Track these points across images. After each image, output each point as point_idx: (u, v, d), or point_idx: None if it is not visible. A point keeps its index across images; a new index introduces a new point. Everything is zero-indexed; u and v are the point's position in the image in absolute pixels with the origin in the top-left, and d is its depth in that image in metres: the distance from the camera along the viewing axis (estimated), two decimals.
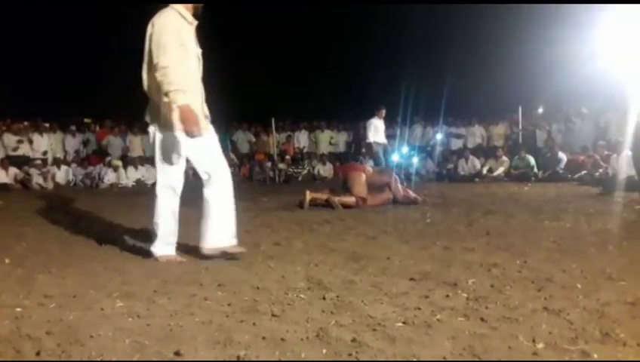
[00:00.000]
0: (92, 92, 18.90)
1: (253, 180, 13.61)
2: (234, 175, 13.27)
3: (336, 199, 6.08)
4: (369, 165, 8.07)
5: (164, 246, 3.27)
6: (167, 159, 3.22)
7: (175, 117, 3.03)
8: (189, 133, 3.01)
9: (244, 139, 15.11)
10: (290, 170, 13.90)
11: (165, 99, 2.99)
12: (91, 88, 19.33)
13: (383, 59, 19.40)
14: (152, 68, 3.02)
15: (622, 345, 1.70)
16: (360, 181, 6.30)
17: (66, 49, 19.25)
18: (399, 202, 6.41)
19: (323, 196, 6.27)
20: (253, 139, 15.29)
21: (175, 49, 3.01)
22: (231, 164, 14.43)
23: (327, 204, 6.07)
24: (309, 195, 6.20)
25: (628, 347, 1.68)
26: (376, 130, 9.95)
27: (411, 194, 6.58)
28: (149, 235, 4.23)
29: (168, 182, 3.26)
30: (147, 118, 3.27)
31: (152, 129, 3.26)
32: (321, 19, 19.41)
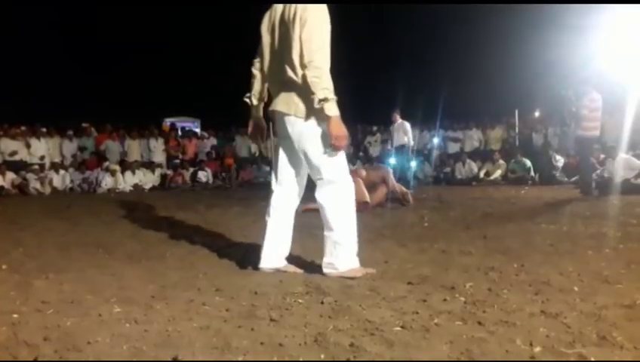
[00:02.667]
0: (90, 96, 18.90)
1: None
2: (232, 179, 13.25)
3: None
4: (362, 167, 8.06)
5: (355, 256, 2.87)
6: (334, 148, 2.77)
7: (332, 126, 2.71)
8: (337, 147, 2.74)
9: (243, 143, 15.11)
10: None
11: (317, 105, 2.66)
12: (89, 92, 19.34)
13: (379, 63, 19.45)
14: (301, 59, 2.68)
15: (619, 348, 1.70)
16: (357, 187, 6.29)
17: (65, 52, 19.23)
18: (396, 198, 6.43)
19: (312, 207, 6.24)
20: (252, 144, 15.28)
21: (329, 50, 2.75)
22: (229, 169, 14.46)
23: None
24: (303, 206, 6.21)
25: (625, 350, 1.69)
26: (407, 132, 9.98)
27: (403, 189, 6.62)
28: (145, 240, 4.24)
29: (347, 171, 2.88)
30: (282, 108, 2.82)
31: (292, 119, 2.80)
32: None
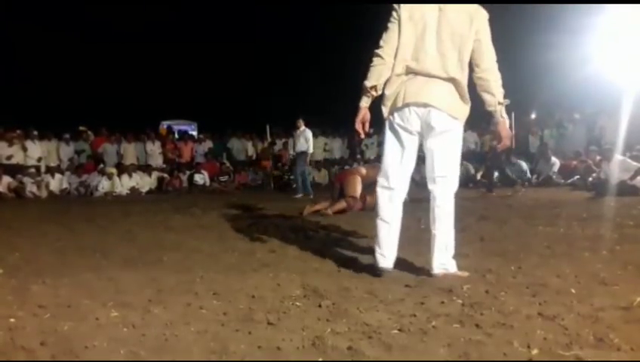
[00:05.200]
0: (87, 100, 18.88)
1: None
2: (228, 183, 13.25)
3: (328, 210, 6.09)
4: (362, 166, 8.09)
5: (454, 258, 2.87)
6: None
7: (503, 128, 2.88)
8: (504, 146, 2.96)
9: (239, 146, 15.11)
10: (286, 176, 13.90)
11: (492, 108, 2.83)
12: (86, 96, 19.32)
13: None
14: (479, 62, 2.78)
15: (616, 349, 1.71)
16: (354, 182, 6.32)
17: (63, 55, 19.22)
18: None
19: (319, 208, 6.29)
20: (249, 146, 15.29)
21: None
22: (226, 172, 14.44)
23: (320, 213, 6.10)
24: (308, 209, 6.23)
25: (622, 352, 1.69)
26: (307, 140, 10.18)
27: None
28: (142, 244, 4.24)
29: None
30: (444, 106, 2.74)
31: (444, 116, 2.75)
32: (317, 24, 19.52)
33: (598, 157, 10.26)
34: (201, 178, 13.30)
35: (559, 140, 12.66)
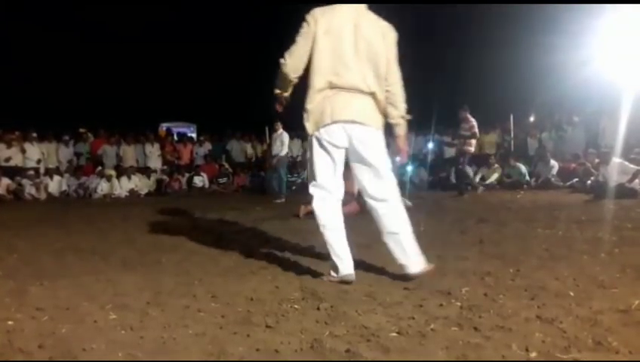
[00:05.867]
0: (86, 102, 18.89)
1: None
2: (227, 185, 13.19)
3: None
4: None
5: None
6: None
7: (401, 142, 3.03)
8: (401, 160, 3.08)
9: (238, 148, 15.09)
10: (285, 179, 13.87)
11: (394, 121, 2.94)
12: (85, 98, 19.33)
13: None
14: (388, 76, 2.88)
15: (614, 353, 1.71)
16: (350, 181, 6.32)
17: (62, 57, 19.23)
18: None
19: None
20: (248, 148, 15.27)
21: None
22: (225, 174, 14.41)
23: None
24: (303, 209, 6.22)
25: (620, 355, 1.69)
26: (283, 144, 10.22)
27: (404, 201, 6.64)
28: (141, 246, 4.23)
29: None
30: (368, 120, 2.82)
31: (372, 130, 2.84)
32: None
33: (596, 160, 10.27)
34: (201, 180, 13.28)
35: (558, 143, 12.66)
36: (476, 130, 9.62)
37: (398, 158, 3.12)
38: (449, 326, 2.02)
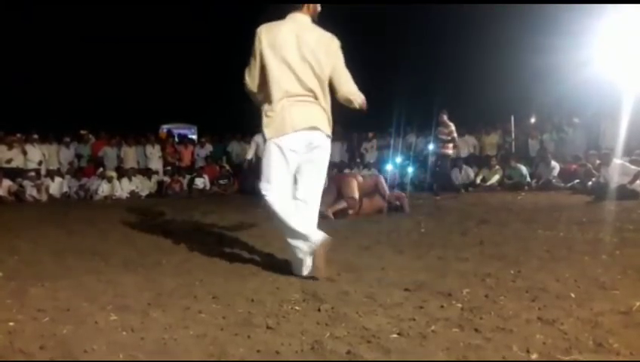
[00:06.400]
0: (87, 103, 18.92)
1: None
2: (228, 186, 13.18)
3: (328, 211, 6.11)
4: (360, 174, 8.16)
5: None
6: None
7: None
8: (364, 104, 3.21)
9: (239, 149, 15.10)
10: None
11: (353, 96, 3.13)
12: (86, 99, 19.35)
13: (374, 70, 19.51)
14: (345, 86, 3.10)
15: (615, 354, 1.71)
16: (351, 185, 6.38)
17: (63, 59, 19.26)
18: (390, 204, 6.47)
19: None
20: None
21: None
22: (225, 175, 14.38)
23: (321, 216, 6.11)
24: (332, 211, 6.25)
25: (621, 357, 1.69)
26: (258, 147, 10.26)
27: (403, 196, 6.66)
28: (141, 247, 4.24)
29: None
30: (323, 127, 3.04)
31: (324, 136, 3.07)
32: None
33: (597, 161, 10.27)
34: (202, 182, 13.28)
35: (559, 144, 12.66)
36: (455, 134, 9.95)
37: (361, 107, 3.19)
38: (450, 327, 2.02)
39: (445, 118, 9.90)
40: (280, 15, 3.05)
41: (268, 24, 3.01)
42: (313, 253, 2.91)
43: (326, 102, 3.05)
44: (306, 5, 3.05)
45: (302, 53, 2.93)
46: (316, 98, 2.99)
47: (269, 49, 2.93)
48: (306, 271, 2.97)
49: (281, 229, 3.02)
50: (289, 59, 2.92)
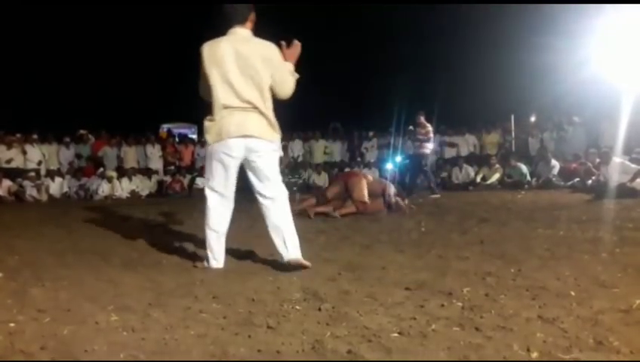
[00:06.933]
0: (87, 103, 18.90)
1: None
2: None
3: (336, 212, 6.11)
4: (369, 174, 8.16)
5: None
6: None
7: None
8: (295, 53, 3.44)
9: None
10: (286, 179, 13.83)
11: (286, 76, 3.34)
12: (86, 99, 19.34)
13: (375, 69, 19.52)
14: (283, 75, 3.30)
15: (615, 352, 1.71)
16: (361, 186, 6.38)
17: (62, 59, 19.25)
18: (391, 210, 6.47)
19: (324, 209, 6.31)
20: None
21: None
22: None
23: (327, 215, 6.11)
24: (310, 210, 6.23)
25: (621, 355, 1.69)
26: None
27: (402, 204, 6.63)
28: (142, 247, 4.24)
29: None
30: (260, 134, 3.27)
31: (264, 143, 3.29)
32: (312, 28, 19.54)
33: (597, 160, 10.27)
34: (203, 181, 13.23)
35: (559, 143, 12.66)
36: (432, 135, 10.42)
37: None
38: (450, 326, 2.02)
39: (422, 119, 10.26)
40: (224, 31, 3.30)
41: (209, 42, 3.27)
42: (221, 244, 3.34)
43: (267, 107, 3.27)
44: (248, 20, 3.32)
45: (240, 67, 3.18)
46: (255, 107, 3.23)
47: (211, 66, 3.20)
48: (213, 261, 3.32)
49: (203, 218, 3.36)
50: (229, 75, 3.18)
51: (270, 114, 3.29)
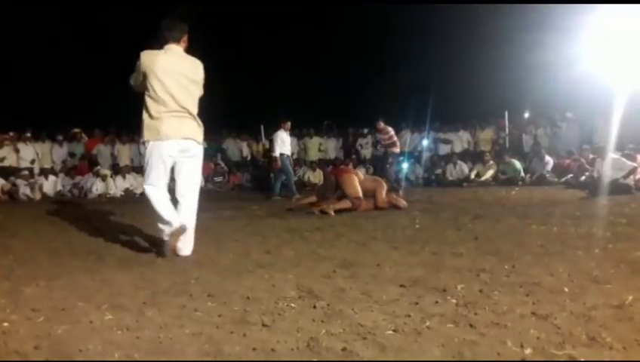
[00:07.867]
0: (80, 101, 18.79)
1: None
2: (222, 183, 13.15)
3: (331, 207, 6.12)
4: (360, 171, 8.18)
5: None
6: None
7: None
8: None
9: (234, 147, 15.08)
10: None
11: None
12: (79, 97, 19.23)
13: (369, 66, 19.52)
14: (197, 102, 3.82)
15: (608, 348, 1.72)
16: (353, 183, 6.40)
17: (55, 57, 19.14)
18: (379, 207, 6.48)
19: (317, 206, 6.35)
20: (244, 147, 15.26)
21: None
22: (220, 173, 14.29)
23: (323, 212, 6.12)
24: (298, 202, 6.24)
25: (614, 350, 1.71)
26: (282, 142, 10.15)
27: (400, 202, 6.63)
28: (136, 245, 4.23)
29: None
30: (194, 136, 3.74)
31: (196, 144, 3.76)
32: (310, 25, 19.53)
33: (591, 156, 10.31)
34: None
35: (553, 139, 12.70)
36: (395, 138, 10.84)
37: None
38: (445, 323, 2.03)
39: (382, 124, 10.57)
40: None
41: (149, 51, 3.67)
42: (173, 236, 3.66)
43: (196, 113, 3.76)
44: (181, 40, 3.78)
45: (178, 80, 3.63)
46: (190, 113, 3.70)
47: (150, 72, 3.59)
48: (167, 253, 3.65)
49: (154, 215, 3.63)
50: (168, 85, 3.59)
51: (199, 119, 3.77)
